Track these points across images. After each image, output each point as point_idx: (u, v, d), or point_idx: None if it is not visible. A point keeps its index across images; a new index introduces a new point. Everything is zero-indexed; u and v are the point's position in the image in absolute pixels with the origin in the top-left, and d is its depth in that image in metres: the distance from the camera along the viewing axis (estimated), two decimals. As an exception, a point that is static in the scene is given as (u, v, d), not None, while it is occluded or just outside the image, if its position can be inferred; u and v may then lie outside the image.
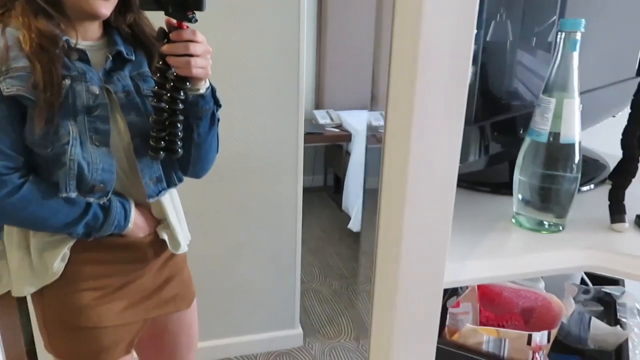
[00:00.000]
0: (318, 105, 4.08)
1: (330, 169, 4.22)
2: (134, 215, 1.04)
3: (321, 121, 3.77)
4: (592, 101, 0.92)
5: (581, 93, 0.86)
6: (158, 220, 1.12)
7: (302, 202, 2.15)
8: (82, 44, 0.98)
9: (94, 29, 1.02)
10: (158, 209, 1.10)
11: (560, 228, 0.66)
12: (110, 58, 1.00)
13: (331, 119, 3.81)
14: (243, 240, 2.11)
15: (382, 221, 0.55)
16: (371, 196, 0.59)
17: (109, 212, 1.00)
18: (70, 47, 0.95)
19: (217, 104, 1.06)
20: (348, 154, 3.65)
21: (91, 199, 0.98)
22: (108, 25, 1.04)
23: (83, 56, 0.97)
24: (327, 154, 4.18)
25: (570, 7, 0.80)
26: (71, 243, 1.01)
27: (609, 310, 0.94)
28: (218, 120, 1.08)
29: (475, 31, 0.57)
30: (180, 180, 1.13)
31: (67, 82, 0.92)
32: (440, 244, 0.54)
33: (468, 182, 0.82)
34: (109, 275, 1.07)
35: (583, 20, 0.57)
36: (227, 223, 2.06)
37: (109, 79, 0.99)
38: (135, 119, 1.00)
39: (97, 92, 0.96)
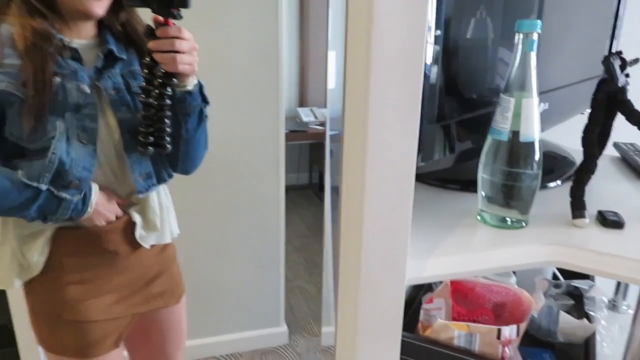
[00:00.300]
0: (302, 103, 4.08)
1: (315, 166, 4.23)
2: (95, 199, 1.02)
3: (305, 119, 3.78)
4: (562, 98, 0.94)
5: (551, 90, 0.88)
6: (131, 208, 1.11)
7: (287, 200, 2.15)
8: (76, 43, 0.99)
9: (88, 28, 1.03)
10: (142, 202, 1.11)
11: (524, 224, 0.67)
12: (102, 56, 1.02)
13: (315, 116, 3.81)
14: (226, 238, 2.11)
15: (343, 219, 0.56)
16: (336, 194, 0.60)
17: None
18: (64, 45, 0.96)
19: (205, 101, 1.08)
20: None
21: (65, 195, 0.98)
22: (101, 24, 1.05)
23: (75, 55, 0.98)
24: (311, 152, 4.19)
25: (539, 4, 0.81)
26: (47, 235, 1.02)
27: (580, 304, 0.96)
28: (206, 117, 1.10)
29: (430, 29, 0.58)
30: (170, 177, 1.15)
31: (58, 79, 0.94)
32: (400, 241, 0.55)
33: (438, 179, 0.83)
34: (90, 267, 1.07)
35: (539, 21, 0.58)
36: (209, 222, 2.05)
37: (99, 77, 1.01)
38: (126, 116, 1.02)
39: (87, 91, 0.97)
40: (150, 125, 1.00)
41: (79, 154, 0.98)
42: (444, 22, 0.60)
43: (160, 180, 1.11)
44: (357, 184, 0.52)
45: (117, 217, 1.07)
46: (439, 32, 0.60)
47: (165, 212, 1.17)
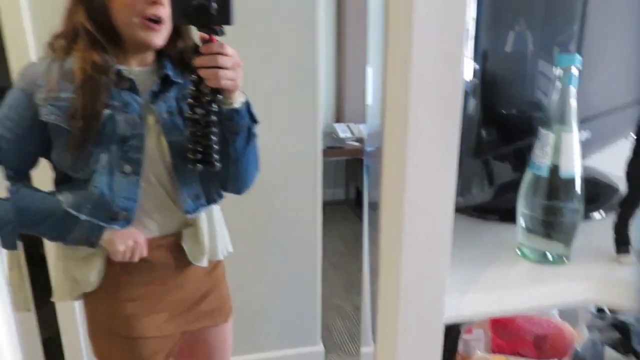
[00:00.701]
0: (339, 119, 4.09)
1: (352, 182, 4.22)
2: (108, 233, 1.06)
3: (342, 135, 3.78)
4: (604, 124, 0.91)
5: (592, 117, 0.85)
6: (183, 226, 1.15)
7: (323, 216, 2.15)
8: (134, 71, 1.05)
9: (148, 56, 1.09)
10: (193, 222, 1.14)
11: (565, 260, 0.65)
12: (158, 81, 1.07)
13: (352, 132, 3.82)
14: (262, 255, 2.12)
15: (382, 252, 0.56)
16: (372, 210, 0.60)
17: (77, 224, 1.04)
18: (121, 76, 1.02)
19: (254, 120, 1.09)
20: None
21: (115, 226, 1.04)
22: (160, 51, 1.10)
23: (131, 85, 1.04)
24: (348, 167, 4.19)
25: (579, 29, 0.80)
26: (103, 254, 1.08)
27: (626, 338, 0.92)
28: (255, 136, 1.11)
29: (468, 63, 0.58)
30: (221, 197, 1.18)
31: (108, 111, 1.00)
32: (439, 279, 0.55)
33: (476, 209, 0.82)
34: (144, 285, 1.12)
35: (578, 55, 0.57)
36: (246, 239, 2.08)
37: (154, 100, 1.06)
38: (176, 139, 1.06)
39: (136, 122, 1.03)
40: (197, 142, 1.03)
41: (122, 185, 1.03)
42: (482, 54, 0.60)
43: (210, 200, 1.14)
44: (395, 219, 0.52)
45: (139, 243, 1.08)
46: (476, 65, 0.60)
47: (217, 231, 1.20)
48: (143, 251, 1.07)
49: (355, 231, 3.71)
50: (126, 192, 1.03)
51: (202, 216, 1.15)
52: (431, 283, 0.55)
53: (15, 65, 1.64)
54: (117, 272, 1.09)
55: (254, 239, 2.09)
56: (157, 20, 1.00)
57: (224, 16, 0.92)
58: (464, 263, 0.66)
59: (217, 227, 1.20)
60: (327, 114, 4.04)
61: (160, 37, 1.02)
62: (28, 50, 1.64)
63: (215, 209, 1.21)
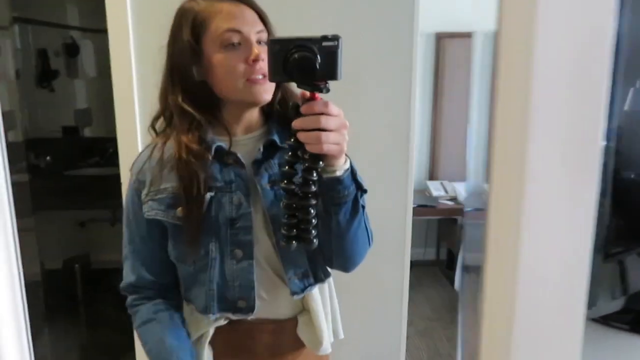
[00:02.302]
0: (432, 176, 3.96)
1: (444, 242, 4.01)
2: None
3: (435, 193, 3.64)
4: None
5: None
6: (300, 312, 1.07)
7: (411, 277, 2.02)
8: (240, 140, 1.00)
9: (254, 119, 1.02)
10: (305, 305, 1.05)
11: None
12: (261, 149, 0.98)
13: (445, 190, 3.66)
14: (344, 317, 2.01)
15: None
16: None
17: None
18: (223, 152, 0.97)
19: (361, 189, 0.94)
20: (463, 228, 3.45)
21: (241, 316, 0.99)
22: (267, 114, 1.04)
23: (235, 159, 0.97)
24: (440, 227, 4.00)
25: None
26: (209, 336, 1.03)
27: None
28: (362, 207, 0.96)
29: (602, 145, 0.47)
30: (327, 275, 1.07)
31: (210, 194, 0.94)
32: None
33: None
34: None
35: None
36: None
37: (257, 171, 0.98)
38: (279, 212, 0.93)
39: (242, 201, 0.96)
40: (293, 215, 0.88)
41: (235, 273, 0.97)
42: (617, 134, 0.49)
43: (318, 279, 1.04)
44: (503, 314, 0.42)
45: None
46: (606, 142, 0.49)
47: (330, 315, 1.10)
48: None
49: (445, 296, 3.48)
50: (240, 280, 0.97)
51: (314, 297, 1.04)
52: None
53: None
54: (221, 354, 1.05)
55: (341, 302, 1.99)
56: (262, 76, 0.94)
57: (330, 70, 0.80)
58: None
59: (330, 312, 1.10)
60: (420, 170, 3.93)
61: (267, 91, 0.96)
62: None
63: (328, 289, 1.11)
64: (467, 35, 3.75)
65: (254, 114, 1.02)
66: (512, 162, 0.43)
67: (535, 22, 0.39)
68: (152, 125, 1.03)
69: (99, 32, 3.15)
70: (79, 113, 3.52)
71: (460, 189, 3.64)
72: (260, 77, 0.94)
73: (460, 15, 3.73)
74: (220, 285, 0.96)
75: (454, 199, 3.59)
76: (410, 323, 2.07)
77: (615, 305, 0.56)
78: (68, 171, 3.32)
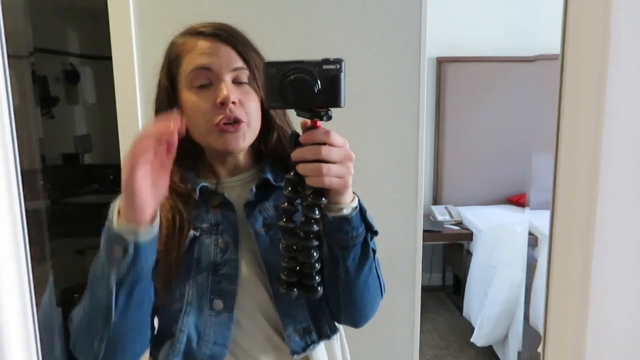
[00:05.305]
0: (436, 201, 3.91)
1: (449, 267, 3.95)
2: None
3: (440, 217, 3.58)
4: None
5: None
6: None
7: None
8: (226, 182, 0.92)
9: (240, 162, 0.94)
10: None
11: None
12: (254, 190, 0.90)
13: (450, 215, 3.61)
14: (352, 348, 1.94)
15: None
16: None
17: None
18: (208, 193, 0.89)
19: (371, 230, 0.83)
20: (469, 253, 3.39)
21: None
22: (258, 152, 0.95)
23: (222, 200, 0.89)
24: (446, 252, 3.94)
25: None
26: None
27: None
28: (374, 252, 0.86)
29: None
30: (334, 331, 0.93)
31: (193, 233, 0.85)
32: None
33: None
34: None
35: None
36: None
37: (250, 213, 0.89)
38: (276, 259, 0.82)
39: (228, 245, 0.86)
40: (293, 258, 0.78)
41: (210, 326, 0.85)
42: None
43: (322, 336, 0.91)
44: None
45: None
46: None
47: None
48: None
49: (452, 323, 3.39)
50: (215, 336, 0.84)
51: (319, 356, 0.91)
52: None
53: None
54: None
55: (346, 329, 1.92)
56: (233, 122, 0.85)
57: (332, 96, 0.72)
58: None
59: None
60: (424, 195, 3.89)
61: (240, 139, 0.86)
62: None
63: (339, 345, 0.98)
64: (468, 60, 3.75)
65: (239, 157, 0.93)
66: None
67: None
68: None
69: (100, 58, 3.15)
70: (78, 140, 3.49)
71: (466, 213, 3.59)
72: (232, 123, 0.84)
73: (461, 40, 3.74)
74: (190, 339, 0.84)
75: (459, 223, 3.54)
76: (419, 352, 2.00)
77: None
78: (67, 198, 3.27)
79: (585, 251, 0.38)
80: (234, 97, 0.84)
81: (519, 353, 2.61)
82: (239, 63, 0.87)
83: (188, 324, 0.84)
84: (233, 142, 0.86)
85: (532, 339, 2.34)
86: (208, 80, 0.86)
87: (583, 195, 0.38)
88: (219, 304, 0.85)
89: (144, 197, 0.70)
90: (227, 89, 0.84)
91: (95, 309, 0.76)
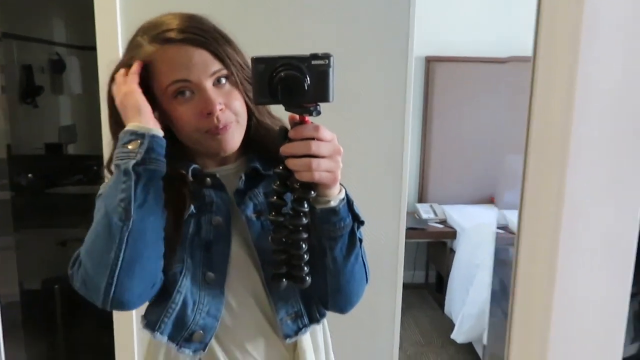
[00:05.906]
0: (421, 199, 3.94)
1: (432, 265, 3.98)
2: None
3: (424, 216, 3.61)
4: None
5: None
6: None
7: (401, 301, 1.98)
8: (218, 170, 0.92)
9: (228, 156, 0.94)
10: (296, 350, 0.94)
11: None
12: (243, 178, 0.91)
13: (435, 213, 3.64)
14: (334, 339, 1.95)
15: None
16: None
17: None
18: (201, 174, 0.90)
19: (358, 221, 0.86)
20: (452, 251, 3.43)
21: (186, 351, 0.87)
22: (245, 143, 0.95)
23: (215, 182, 0.90)
24: (429, 250, 3.97)
25: None
26: None
27: None
28: (360, 241, 0.89)
29: None
30: (322, 315, 0.97)
31: (192, 208, 0.87)
32: None
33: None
34: None
35: None
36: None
37: (241, 200, 0.90)
38: (267, 245, 0.85)
39: (221, 224, 0.89)
40: (283, 250, 0.81)
41: (204, 296, 0.87)
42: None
43: (313, 320, 0.94)
44: None
45: None
46: None
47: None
48: None
49: (434, 320, 3.43)
50: (209, 306, 0.87)
51: (306, 340, 0.94)
52: None
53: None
54: None
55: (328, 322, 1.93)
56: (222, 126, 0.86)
57: (321, 91, 0.73)
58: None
59: (323, 355, 0.99)
60: (409, 193, 3.91)
61: (232, 139, 0.87)
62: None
63: (322, 330, 1.00)
64: (456, 60, 3.78)
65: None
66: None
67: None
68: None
69: (86, 48, 3.12)
70: (63, 130, 3.46)
71: (450, 212, 3.62)
72: (222, 126, 0.85)
73: (451, 40, 3.76)
74: (186, 303, 0.86)
75: (443, 221, 3.57)
76: (399, 348, 2.01)
77: (629, 349, 0.53)
78: (50, 189, 3.24)
79: (551, 249, 0.39)
80: (219, 105, 0.83)
81: (484, 347, 2.67)
82: (216, 65, 0.84)
83: (186, 286, 0.86)
84: (227, 142, 0.87)
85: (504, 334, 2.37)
86: (189, 90, 0.84)
87: (551, 193, 0.39)
88: (211, 276, 0.88)
89: (147, 105, 0.82)
90: (211, 97, 0.83)
91: (111, 224, 0.77)
